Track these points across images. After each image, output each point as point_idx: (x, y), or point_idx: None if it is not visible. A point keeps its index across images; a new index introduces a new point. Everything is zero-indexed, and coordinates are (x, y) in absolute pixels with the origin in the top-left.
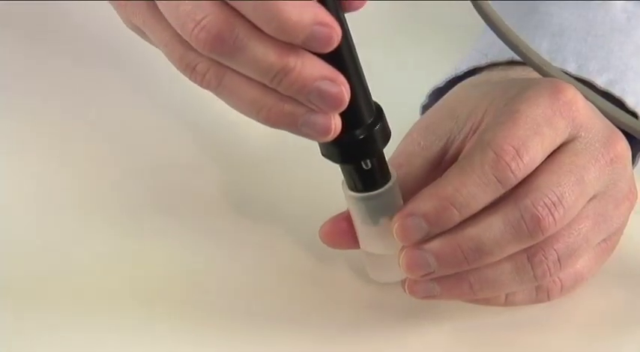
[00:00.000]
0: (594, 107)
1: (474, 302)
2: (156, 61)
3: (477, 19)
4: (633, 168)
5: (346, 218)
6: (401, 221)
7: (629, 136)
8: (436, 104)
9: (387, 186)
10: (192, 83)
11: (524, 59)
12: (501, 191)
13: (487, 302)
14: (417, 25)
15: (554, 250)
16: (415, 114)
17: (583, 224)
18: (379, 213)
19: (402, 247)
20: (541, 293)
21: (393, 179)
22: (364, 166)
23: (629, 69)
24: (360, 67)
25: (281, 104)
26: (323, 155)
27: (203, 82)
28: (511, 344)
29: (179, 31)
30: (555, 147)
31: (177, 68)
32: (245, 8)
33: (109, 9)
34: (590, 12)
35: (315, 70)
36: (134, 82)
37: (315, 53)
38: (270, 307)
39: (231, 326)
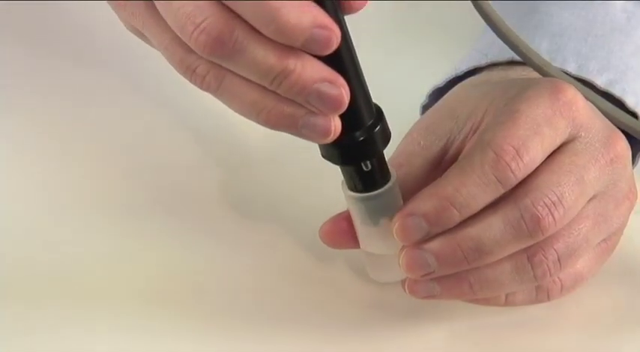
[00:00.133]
0: (594, 107)
1: (474, 302)
2: (156, 62)
3: (477, 19)
4: (633, 168)
5: (346, 218)
6: (401, 221)
7: (629, 136)
8: (436, 104)
9: (387, 187)
10: (192, 84)
11: (524, 59)
12: (501, 191)
13: (487, 302)
14: (417, 25)
15: (554, 250)
16: (415, 114)
17: (583, 224)
18: (379, 213)
19: (402, 247)
20: (541, 293)
21: (393, 179)
22: (364, 167)
23: (629, 69)
24: (360, 69)
25: (281, 106)
26: (323, 156)
27: (203, 84)
28: (511, 344)
29: (179, 34)
30: (555, 147)
31: (178, 70)
32: (244, 11)
33: (109, 9)
34: (590, 12)
35: (315, 72)
36: (134, 83)
37: (314, 55)
38: (270, 307)
39: (231, 325)
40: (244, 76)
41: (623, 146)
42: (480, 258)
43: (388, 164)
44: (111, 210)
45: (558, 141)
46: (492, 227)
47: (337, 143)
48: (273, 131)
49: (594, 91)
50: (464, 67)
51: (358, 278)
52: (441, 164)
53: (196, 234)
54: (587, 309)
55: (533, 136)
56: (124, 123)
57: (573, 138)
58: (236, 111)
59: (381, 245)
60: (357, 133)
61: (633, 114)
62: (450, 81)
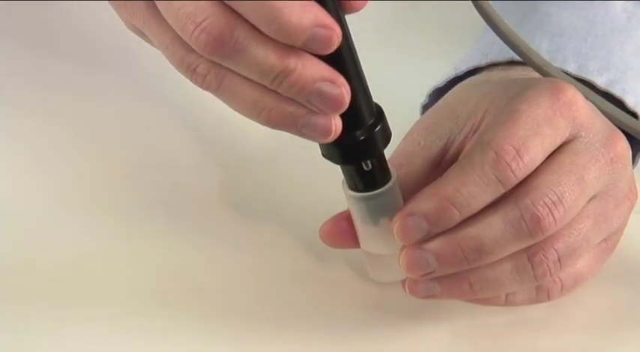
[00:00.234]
0: (594, 107)
1: (474, 302)
2: (156, 62)
3: (477, 19)
4: (633, 168)
5: (346, 217)
6: (401, 220)
7: (629, 136)
8: (436, 104)
9: (387, 186)
10: (193, 84)
11: (525, 59)
12: (502, 191)
13: (487, 302)
14: (417, 25)
15: (555, 250)
16: (415, 114)
17: (583, 224)
18: (379, 212)
19: (402, 247)
20: (541, 293)
21: (394, 179)
22: (365, 167)
23: (629, 69)
24: (361, 68)
25: (281, 105)
26: (323, 156)
27: (204, 84)
28: (511, 344)
29: (179, 33)
30: (555, 147)
31: (178, 70)
32: (245, 10)
33: (109, 9)
34: (590, 12)
35: (316, 71)
36: (134, 82)
37: (315, 55)
38: (270, 307)
39: (231, 325)
40: (245, 75)
41: (623, 146)
42: (480, 257)
43: (388, 164)
44: (110, 209)
45: (558, 141)
46: (492, 227)
47: (338, 142)
48: (273, 131)
49: (594, 91)
50: (464, 67)
51: (358, 278)
52: (441, 164)
53: (196, 233)
54: (587, 309)
55: (533, 136)
56: (124, 123)
57: (573, 137)
58: (237, 110)
59: (382, 245)
60: (358, 133)
61: (633, 114)
62: (450, 81)
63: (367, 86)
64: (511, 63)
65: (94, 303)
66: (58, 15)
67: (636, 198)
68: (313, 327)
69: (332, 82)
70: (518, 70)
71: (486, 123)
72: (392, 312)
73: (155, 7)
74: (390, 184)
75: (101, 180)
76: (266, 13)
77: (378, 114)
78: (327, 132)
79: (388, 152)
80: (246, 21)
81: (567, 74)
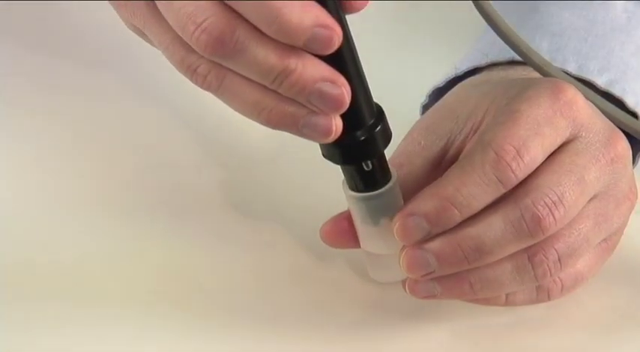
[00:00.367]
0: (594, 107)
1: (475, 302)
2: (157, 62)
3: (477, 19)
4: (633, 168)
5: (347, 217)
6: (402, 220)
7: (629, 136)
8: (436, 104)
9: (387, 186)
10: (193, 84)
11: (525, 59)
12: (502, 191)
13: (487, 302)
14: (417, 25)
15: (555, 250)
16: (415, 114)
17: (583, 224)
18: (380, 212)
19: (402, 247)
20: (541, 293)
21: (394, 179)
22: (365, 167)
23: (629, 69)
24: (361, 68)
25: (282, 105)
26: (324, 156)
27: (204, 84)
28: (511, 344)
29: (180, 34)
30: (556, 147)
31: (179, 70)
32: (246, 10)
33: (110, 9)
34: (590, 12)
35: (316, 71)
36: (134, 83)
37: (316, 55)
38: (270, 307)
39: (231, 325)
40: (245, 75)
41: (623, 146)
42: (481, 257)
43: (389, 164)
44: (110, 209)
45: (559, 141)
46: (493, 227)
47: (338, 142)
48: (273, 131)
49: (594, 91)
50: (464, 67)
51: (358, 278)
52: (442, 164)
53: (197, 234)
54: (587, 309)
55: (533, 136)
56: (124, 123)
57: (574, 137)
58: (237, 110)
59: (382, 245)
60: (358, 133)
61: (633, 114)
62: (450, 81)
63: (367, 86)
64: (511, 63)
65: (94, 303)
66: (58, 15)
67: (636, 198)
68: (313, 327)
69: (332, 82)
70: (519, 69)
71: (486, 123)
72: (392, 312)
73: (155, 7)
74: (390, 184)
75: (101, 180)
76: (267, 13)
77: (379, 114)
78: (328, 132)
79: (388, 152)
80: (246, 21)
81: (567, 74)
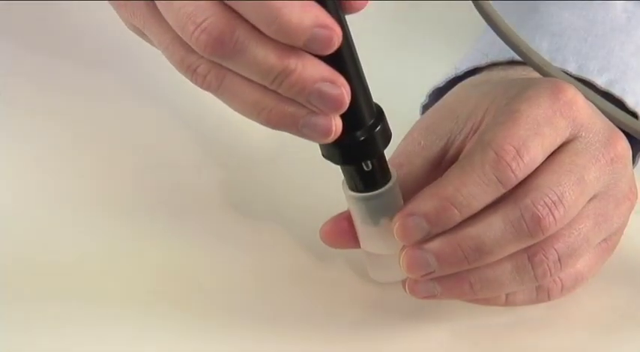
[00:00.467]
0: (594, 107)
1: (475, 302)
2: (156, 62)
3: (477, 19)
4: (633, 168)
5: (347, 218)
6: (401, 221)
7: (629, 136)
8: (436, 104)
9: (387, 186)
10: (193, 84)
11: (525, 59)
12: (502, 191)
13: (487, 302)
14: (417, 25)
15: (555, 250)
16: (415, 114)
17: (583, 224)
18: (379, 212)
19: (402, 247)
20: (541, 293)
21: (394, 179)
22: (365, 167)
23: (629, 69)
24: (361, 69)
25: (282, 105)
26: (324, 156)
27: (204, 84)
28: (511, 344)
29: (180, 34)
30: (556, 147)
31: (178, 70)
32: (246, 10)
33: (109, 9)
34: (590, 12)
35: (316, 71)
36: (134, 83)
37: (315, 55)
38: (270, 307)
39: (230, 325)
40: (245, 75)
41: (623, 146)
42: (481, 257)
43: (388, 164)
44: (110, 209)
45: (559, 141)
46: (493, 227)
47: (338, 143)
48: (273, 131)
49: (594, 91)
50: (464, 67)
51: (358, 278)
52: (442, 164)
53: (196, 233)
54: (587, 309)
55: (533, 136)
56: (124, 123)
57: (574, 137)
58: (237, 110)
59: (382, 245)
60: (358, 133)
61: (633, 114)
62: (450, 81)
63: (367, 86)
64: (511, 63)
65: (94, 303)
66: (58, 15)
67: (636, 198)
68: (313, 327)
69: (332, 82)
70: (519, 69)
71: (486, 123)
72: (392, 312)
73: (155, 7)
74: (390, 184)
75: (101, 180)
76: (266, 13)
77: (378, 114)
78: (328, 132)
79: (388, 152)
80: (246, 21)
81: (567, 74)
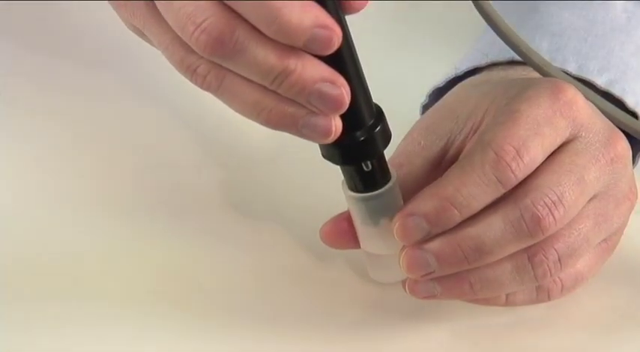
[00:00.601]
0: (594, 107)
1: (475, 302)
2: (156, 62)
3: (477, 19)
4: (633, 168)
5: (347, 218)
6: (401, 221)
7: (629, 136)
8: (436, 104)
9: (387, 187)
10: (193, 84)
11: (525, 59)
12: (502, 191)
13: (487, 302)
14: (417, 24)
15: (555, 250)
16: (415, 114)
17: (583, 224)
18: (379, 213)
19: (402, 247)
20: (541, 293)
21: (394, 179)
22: (365, 168)
23: (629, 69)
24: (361, 69)
25: (281, 106)
26: (323, 156)
27: (204, 84)
28: (511, 344)
29: (179, 34)
30: (556, 147)
31: (178, 70)
32: (246, 11)
33: (109, 9)
34: (590, 12)
35: (316, 72)
36: (134, 83)
37: (315, 55)
38: (270, 307)
39: (230, 325)
40: (245, 75)
41: (623, 146)
42: (481, 257)
43: (388, 164)
44: (110, 209)
45: (559, 141)
46: (493, 227)
47: (338, 143)
48: (273, 131)
49: (594, 91)
50: (464, 67)
51: (358, 278)
52: (442, 164)
53: (196, 233)
54: (587, 309)
55: (533, 136)
56: (124, 123)
57: (574, 137)
58: (237, 111)
59: (382, 245)
60: (358, 133)
61: (633, 114)
62: (450, 81)
63: (367, 87)
64: (511, 63)
65: (94, 303)
66: (58, 15)
67: (636, 198)
68: (313, 327)
69: (332, 82)
70: (519, 69)
71: (486, 123)
72: (392, 312)
73: (155, 8)
74: (389, 185)
75: (101, 180)
76: (266, 13)
77: (378, 114)
78: (327, 132)
79: (388, 152)
80: (246, 21)
81: (567, 74)
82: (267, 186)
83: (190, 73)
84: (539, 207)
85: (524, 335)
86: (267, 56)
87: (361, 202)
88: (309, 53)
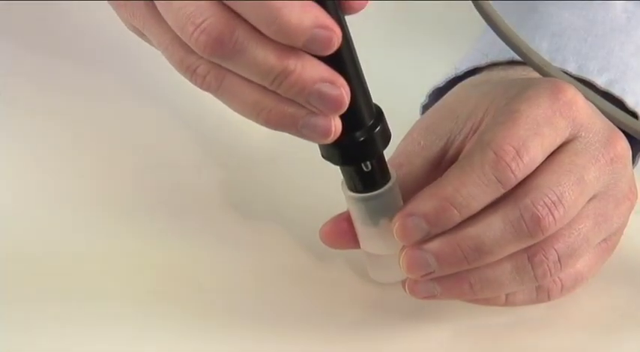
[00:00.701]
0: (594, 107)
1: (474, 302)
2: (156, 62)
3: (477, 19)
4: (633, 168)
5: (347, 218)
6: (401, 221)
7: (629, 136)
8: (436, 104)
9: (386, 187)
10: (193, 84)
11: (525, 59)
12: (501, 191)
13: (487, 302)
14: (417, 24)
15: (555, 250)
16: (415, 114)
17: (583, 224)
18: (379, 213)
19: (402, 247)
20: (541, 294)
21: (393, 179)
22: (364, 168)
23: (629, 69)
24: (361, 69)
25: (281, 106)
26: (323, 157)
27: (203, 85)
28: (511, 344)
29: (179, 34)
30: (555, 147)
31: (178, 70)
32: (245, 11)
33: (109, 9)
34: (590, 12)
35: (315, 72)
36: (134, 83)
37: (315, 55)
38: (270, 307)
39: (230, 325)
40: (245, 76)
41: (623, 146)
42: (480, 257)
43: (388, 164)
44: (110, 209)
45: (558, 141)
46: (492, 227)
47: (337, 143)
48: (273, 131)
49: (594, 91)
50: (464, 67)
51: (358, 279)
52: (441, 164)
53: (196, 234)
54: (587, 309)
55: (533, 136)
56: (124, 123)
57: (573, 137)
58: (236, 111)
59: (382, 245)
60: (358, 134)
61: (633, 114)
62: (450, 81)
63: (367, 87)
64: (511, 63)
65: (94, 303)
66: (58, 15)
67: (636, 198)
68: (313, 327)
69: (332, 82)
70: (519, 69)
71: (486, 124)
72: (392, 312)
73: (155, 8)
74: (389, 185)
75: (101, 180)
76: (266, 13)
77: (378, 115)
78: (327, 133)
79: (388, 152)
80: (246, 22)
81: (567, 74)
82: (267, 186)
83: (190, 73)
84: (538, 207)
85: (524, 335)
86: (266, 56)
87: (361, 202)
88: (308, 53)
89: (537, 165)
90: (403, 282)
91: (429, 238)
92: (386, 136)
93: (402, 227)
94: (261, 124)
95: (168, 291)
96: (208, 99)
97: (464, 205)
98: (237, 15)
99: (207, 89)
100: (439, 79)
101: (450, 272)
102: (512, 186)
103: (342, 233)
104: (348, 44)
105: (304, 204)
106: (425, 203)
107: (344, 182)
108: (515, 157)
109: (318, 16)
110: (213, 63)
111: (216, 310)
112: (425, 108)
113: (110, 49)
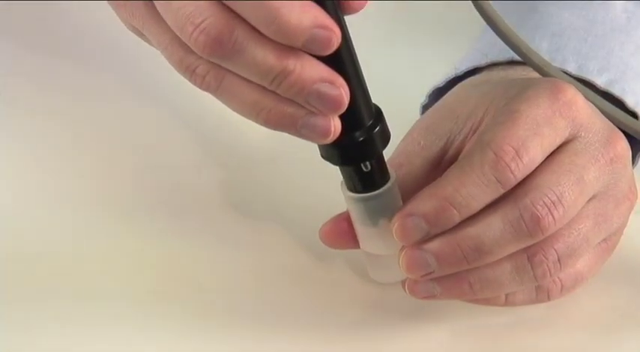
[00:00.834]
0: (594, 107)
1: (474, 302)
2: (156, 62)
3: (477, 19)
4: (633, 168)
5: (346, 218)
6: (401, 221)
7: (629, 136)
8: (436, 104)
9: (386, 187)
10: (192, 84)
11: (525, 59)
12: (501, 191)
13: (487, 302)
14: (417, 24)
15: (554, 250)
16: (415, 114)
17: (583, 224)
18: (379, 213)
19: (401, 247)
20: (541, 294)
21: (392, 179)
22: (364, 168)
23: (629, 69)
24: (360, 69)
25: (281, 106)
26: (323, 157)
27: (203, 85)
28: (511, 344)
29: (178, 34)
30: (555, 147)
31: (177, 70)
32: (245, 11)
33: (109, 9)
34: (590, 12)
35: (315, 72)
36: (134, 83)
37: (314, 56)
38: (270, 307)
39: (230, 325)
40: (244, 76)
41: (623, 146)
42: (480, 257)
43: (388, 164)
44: (110, 209)
45: (558, 141)
46: (492, 227)
47: (337, 143)
48: (273, 131)
49: (594, 91)
50: (464, 67)
51: (358, 279)
52: (441, 164)
53: (196, 234)
54: (587, 309)
55: (532, 136)
56: (124, 123)
57: (573, 137)
58: (236, 111)
59: (381, 245)
60: (357, 134)
61: (633, 114)
62: (450, 81)
63: (366, 87)
64: (511, 63)
65: (94, 303)
66: (58, 15)
67: (636, 198)
68: (313, 327)
69: (331, 82)
70: (519, 70)
71: (486, 124)
72: (392, 312)
73: (154, 8)
74: (388, 185)
75: (101, 180)
76: (265, 13)
77: (377, 115)
78: (326, 133)
79: (388, 152)
80: (245, 22)
81: (567, 74)
82: (267, 186)
83: (189, 73)
84: (538, 206)
85: (524, 335)
86: (266, 56)
87: (360, 202)
88: (308, 53)
89: (537, 165)
90: (403, 282)
91: (428, 238)
92: (385, 136)
93: (401, 227)
94: (261, 124)
95: (168, 291)
96: (208, 99)
97: (463, 205)
98: (236, 15)
99: (207, 89)
100: (439, 79)
101: (450, 272)
102: (512, 186)
103: (341, 233)
104: (348, 44)
105: (304, 204)
106: (424, 203)
107: (343, 182)
108: (514, 157)
109: (318, 16)
110: (212, 63)
111: (216, 310)
112: (425, 108)
113: (110, 49)
